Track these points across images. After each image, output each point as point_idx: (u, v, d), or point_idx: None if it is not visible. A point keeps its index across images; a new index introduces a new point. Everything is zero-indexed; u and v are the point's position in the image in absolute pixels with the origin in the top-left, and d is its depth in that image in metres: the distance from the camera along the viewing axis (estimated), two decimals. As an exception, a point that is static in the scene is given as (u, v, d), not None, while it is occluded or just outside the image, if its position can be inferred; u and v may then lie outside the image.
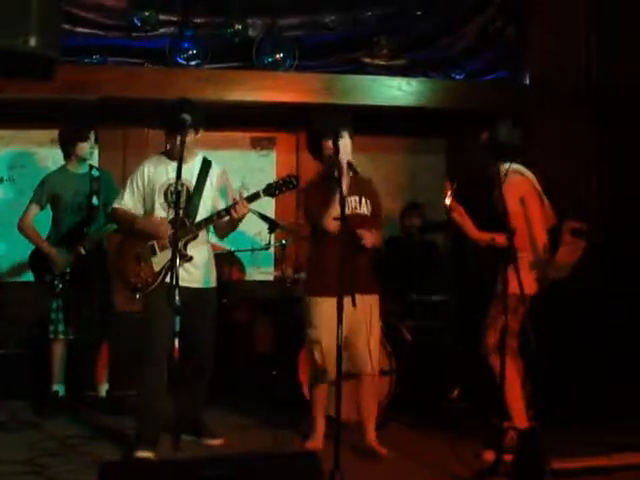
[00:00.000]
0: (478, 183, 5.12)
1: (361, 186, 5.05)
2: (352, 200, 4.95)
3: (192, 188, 4.96)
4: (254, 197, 4.85)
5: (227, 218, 4.87)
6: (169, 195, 4.92)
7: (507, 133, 5.08)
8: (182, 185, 4.81)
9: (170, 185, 4.91)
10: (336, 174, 4.61)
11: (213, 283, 5.12)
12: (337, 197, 4.52)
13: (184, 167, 4.79)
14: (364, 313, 4.82)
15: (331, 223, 4.65)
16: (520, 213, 4.93)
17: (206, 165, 5.05)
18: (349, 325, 4.72)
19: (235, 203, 4.82)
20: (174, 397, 4.78)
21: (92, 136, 5.88)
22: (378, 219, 5.12)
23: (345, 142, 4.87)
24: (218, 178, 5.09)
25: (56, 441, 5.09)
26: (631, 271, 5.92)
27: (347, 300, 4.49)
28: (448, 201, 5.01)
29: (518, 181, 5.03)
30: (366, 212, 5.04)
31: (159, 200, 4.94)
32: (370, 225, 4.96)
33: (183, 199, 4.88)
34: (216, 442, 5.12)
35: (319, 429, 4.96)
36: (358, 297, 4.63)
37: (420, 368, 5.96)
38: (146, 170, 5.00)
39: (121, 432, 5.26)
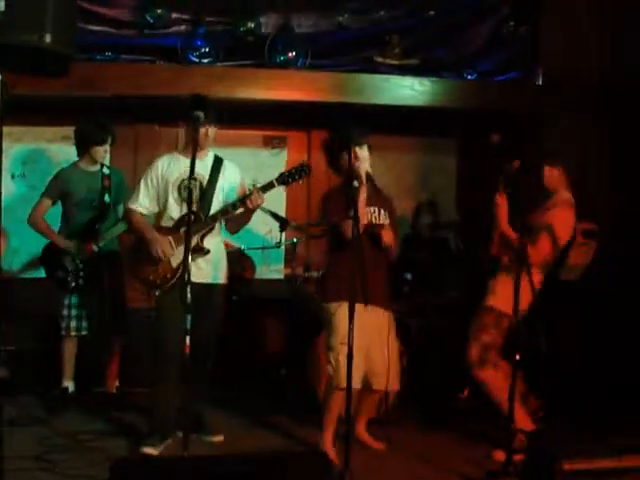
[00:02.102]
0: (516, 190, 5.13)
1: (381, 200, 5.06)
2: (371, 210, 4.94)
3: (205, 182, 4.99)
4: (268, 187, 4.87)
5: (242, 210, 4.88)
6: (182, 190, 4.95)
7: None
8: (195, 180, 4.89)
9: (183, 180, 4.93)
10: (355, 183, 4.64)
11: (223, 279, 5.12)
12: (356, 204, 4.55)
13: (198, 163, 4.82)
14: (381, 326, 4.87)
15: (349, 228, 4.57)
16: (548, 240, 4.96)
17: (218, 161, 5.09)
18: (368, 336, 4.75)
19: (250, 193, 4.82)
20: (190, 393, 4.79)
21: (109, 140, 5.88)
22: (395, 232, 5.06)
23: (364, 153, 4.88)
24: (232, 174, 5.11)
25: (66, 437, 5.09)
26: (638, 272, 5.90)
27: (363, 309, 4.55)
28: (498, 200, 5.01)
29: (569, 198, 5.06)
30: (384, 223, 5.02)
31: (173, 195, 4.98)
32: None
33: (197, 194, 4.94)
34: (217, 439, 5.10)
35: (328, 437, 4.84)
36: (375, 309, 4.81)
37: (430, 368, 5.96)
38: (160, 167, 5.04)
39: (131, 428, 5.27)
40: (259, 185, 4.88)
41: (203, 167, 4.97)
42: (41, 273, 5.95)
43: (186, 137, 5.07)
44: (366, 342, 4.71)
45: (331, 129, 5.12)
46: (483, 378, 5.03)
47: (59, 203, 5.92)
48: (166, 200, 5.01)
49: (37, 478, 4.33)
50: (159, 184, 5.02)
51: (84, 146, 5.87)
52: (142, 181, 5.07)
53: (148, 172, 5.07)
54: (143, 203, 5.05)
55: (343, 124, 5.10)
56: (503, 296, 4.85)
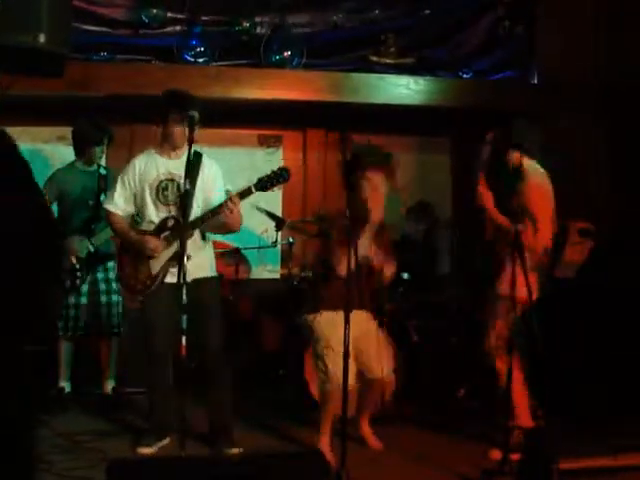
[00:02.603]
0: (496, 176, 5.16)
1: (378, 234, 4.98)
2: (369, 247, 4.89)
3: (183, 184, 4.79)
4: (246, 193, 4.71)
5: (221, 216, 4.73)
6: (160, 191, 4.85)
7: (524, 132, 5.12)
8: (172, 180, 4.83)
9: (161, 181, 4.85)
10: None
11: (210, 273, 5.02)
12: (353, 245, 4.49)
13: (175, 162, 4.80)
14: (362, 322, 4.89)
15: (344, 270, 4.43)
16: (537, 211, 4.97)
17: (197, 157, 4.86)
18: (356, 335, 4.69)
19: (227, 200, 4.70)
20: (209, 401, 4.93)
21: (106, 140, 5.87)
22: (392, 257, 5.04)
23: (377, 177, 4.85)
24: (210, 169, 4.96)
25: (63, 438, 5.07)
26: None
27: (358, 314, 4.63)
28: (480, 189, 5.04)
29: (541, 179, 5.05)
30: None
31: (150, 197, 4.87)
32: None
33: (175, 195, 4.84)
34: (234, 451, 4.88)
35: (324, 442, 4.79)
36: (360, 312, 4.85)
37: (426, 367, 5.97)
38: (137, 166, 4.92)
39: (127, 429, 5.28)
40: (235, 192, 4.74)
41: (180, 166, 4.73)
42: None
43: (162, 136, 4.91)
44: (353, 345, 4.64)
45: (351, 151, 4.99)
46: (500, 367, 5.02)
47: (55, 204, 5.92)
48: (143, 201, 4.90)
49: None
50: (136, 185, 4.90)
51: (81, 146, 5.86)
52: (119, 181, 4.95)
53: (125, 172, 4.95)
54: (118, 204, 4.92)
55: (368, 146, 5.06)
56: (510, 281, 4.83)
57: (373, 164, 4.86)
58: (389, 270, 4.97)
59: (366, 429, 5.12)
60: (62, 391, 5.83)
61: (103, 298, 5.81)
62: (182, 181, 4.72)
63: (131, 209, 4.98)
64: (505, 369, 4.93)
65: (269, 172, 4.78)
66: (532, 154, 5.08)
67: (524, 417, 4.85)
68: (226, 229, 4.97)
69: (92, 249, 5.76)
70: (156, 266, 4.85)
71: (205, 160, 4.96)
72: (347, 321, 4.20)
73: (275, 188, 4.95)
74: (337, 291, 4.50)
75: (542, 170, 5.09)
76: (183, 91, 4.98)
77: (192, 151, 4.74)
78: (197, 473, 3.15)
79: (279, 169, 4.79)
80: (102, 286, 5.81)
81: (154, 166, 4.90)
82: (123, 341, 5.97)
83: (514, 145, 5.09)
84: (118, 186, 4.94)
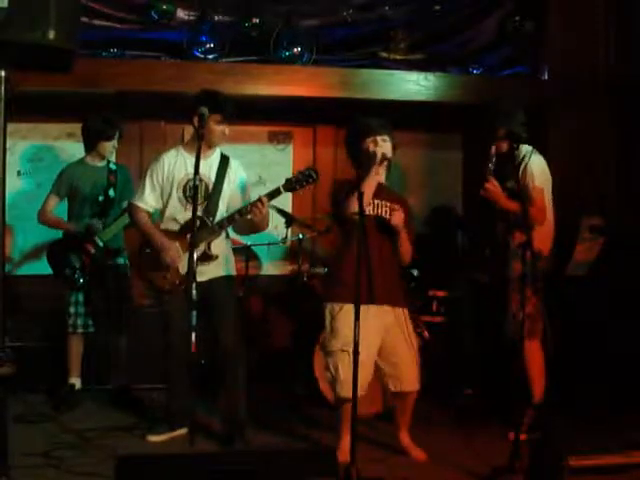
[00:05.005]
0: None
1: (396, 197, 4.83)
2: (382, 204, 4.73)
3: (211, 185, 4.91)
4: (275, 193, 4.75)
5: (249, 216, 4.77)
6: (187, 190, 4.87)
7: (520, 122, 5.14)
8: (201, 181, 4.78)
9: (189, 180, 4.86)
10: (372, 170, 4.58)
11: (229, 271, 5.07)
12: (365, 183, 4.49)
13: (202, 162, 4.73)
14: (392, 326, 4.69)
15: (353, 207, 4.41)
16: (542, 192, 5.01)
17: (224, 160, 4.99)
18: (387, 339, 4.66)
19: (256, 200, 4.71)
20: (224, 399, 4.99)
21: (116, 136, 5.88)
22: (409, 231, 4.76)
23: (385, 143, 4.74)
24: (236, 173, 5.03)
25: (73, 434, 5.10)
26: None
27: (369, 311, 4.47)
28: (491, 166, 5.03)
29: (542, 163, 5.07)
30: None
31: (177, 195, 4.90)
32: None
33: (202, 195, 4.85)
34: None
35: (344, 445, 4.50)
36: (383, 309, 4.66)
37: (437, 364, 5.95)
38: (166, 163, 4.95)
39: (137, 425, 5.28)
40: (265, 193, 4.75)
41: (208, 167, 4.87)
42: (47, 270, 5.93)
43: (194, 134, 4.88)
44: (373, 347, 4.60)
45: (352, 122, 4.92)
46: (529, 349, 4.94)
47: (65, 200, 5.92)
48: (169, 199, 4.93)
49: (44, 475, 4.34)
50: (164, 181, 4.93)
51: (91, 142, 5.87)
52: (147, 178, 4.97)
53: (153, 168, 4.97)
54: (148, 201, 4.96)
55: (365, 116, 4.98)
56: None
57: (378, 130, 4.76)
58: (397, 216, 4.60)
59: (406, 440, 4.87)
60: (72, 388, 5.83)
61: (112, 294, 5.81)
62: (211, 182, 4.87)
63: (159, 206, 5.00)
64: (535, 352, 4.97)
65: (297, 173, 4.80)
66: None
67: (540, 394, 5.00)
68: (253, 229, 5.03)
69: (101, 244, 5.76)
70: (185, 266, 4.76)
71: (232, 162, 5.03)
72: (357, 318, 4.07)
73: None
74: (359, 278, 4.15)
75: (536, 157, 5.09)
76: (218, 91, 5.02)
77: (220, 152, 4.98)
78: (204, 469, 3.16)
79: (307, 169, 4.79)
80: (112, 282, 5.82)
81: (183, 165, 4.93)
82: (133, 338, 5.96)
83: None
84: (147, 183, 4.96)
